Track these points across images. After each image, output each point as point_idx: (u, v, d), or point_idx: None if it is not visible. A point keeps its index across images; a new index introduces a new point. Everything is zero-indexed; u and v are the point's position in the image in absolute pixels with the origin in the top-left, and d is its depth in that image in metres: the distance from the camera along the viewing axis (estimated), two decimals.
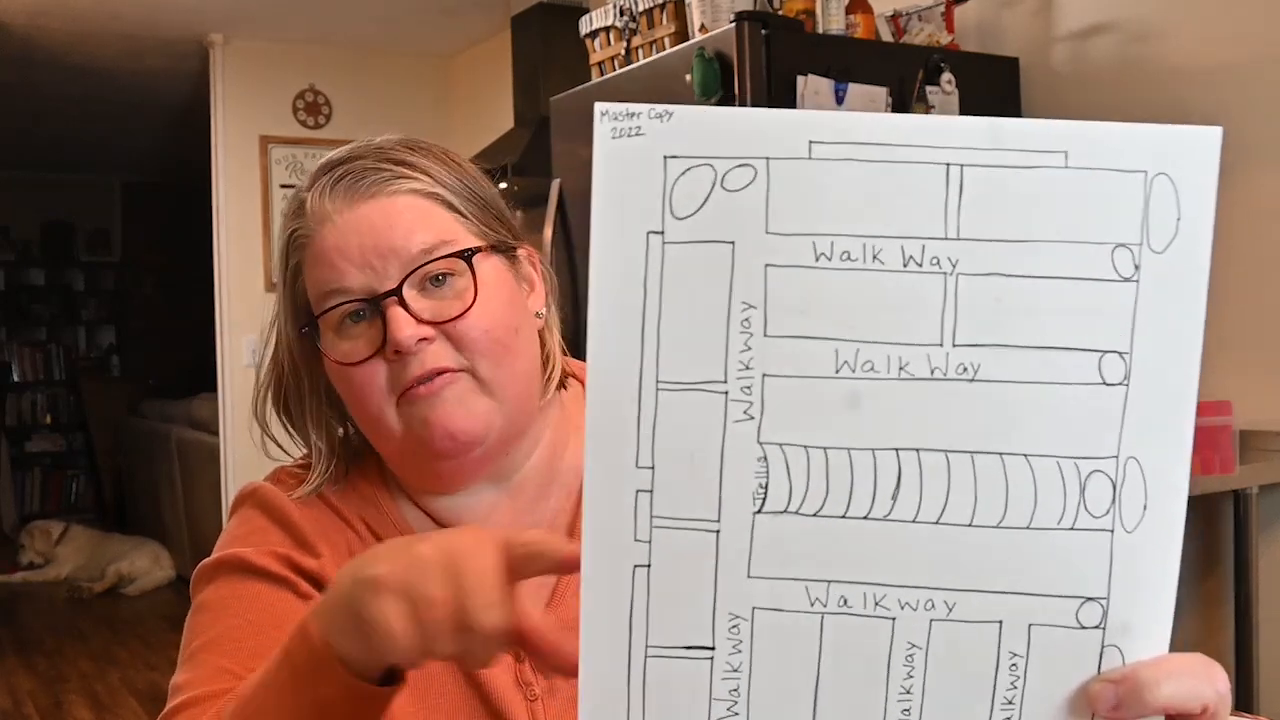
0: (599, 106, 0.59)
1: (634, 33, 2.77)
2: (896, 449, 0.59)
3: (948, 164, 0.58)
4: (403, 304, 0.87)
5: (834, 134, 0.58)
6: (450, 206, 0.92)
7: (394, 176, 0.90)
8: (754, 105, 2.34)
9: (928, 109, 2.50)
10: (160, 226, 8.55)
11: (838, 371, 0.59)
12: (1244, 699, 2.28)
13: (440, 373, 0.88)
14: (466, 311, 0.88)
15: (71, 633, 5.32)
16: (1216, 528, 2.42)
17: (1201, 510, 2.43)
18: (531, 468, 0.97)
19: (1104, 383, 0.59)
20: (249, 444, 1.03)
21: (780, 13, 2.52)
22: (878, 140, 0.58)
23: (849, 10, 2.57)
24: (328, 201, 0.90)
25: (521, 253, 0.97)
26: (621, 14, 2.79)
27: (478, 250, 0.91)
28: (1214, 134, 0.58)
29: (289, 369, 0.96)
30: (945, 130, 0.58)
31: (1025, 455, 0.59)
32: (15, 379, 8.63)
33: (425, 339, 0.87)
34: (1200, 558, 2.44)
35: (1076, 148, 0.58)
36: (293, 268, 0.93)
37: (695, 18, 2.59)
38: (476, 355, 0.89)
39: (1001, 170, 0.58)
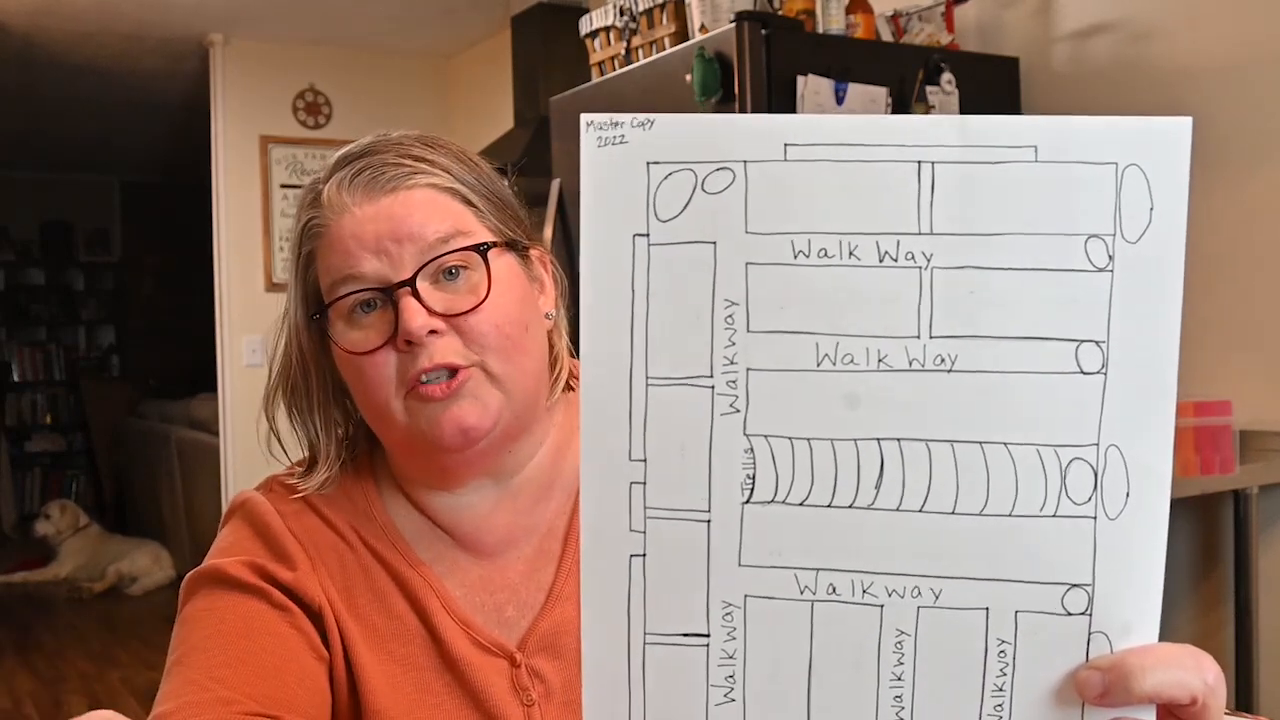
0: (584, 117, 0.61)
1: (634, 33, 2.77)
2: (878, 439, 0.60)
3: (918, 161, 0.59)
4: (415, 294, 0.88)
5: (807, 136, 0.60)
6: (467, 201, 0.93)
7: (412, 171, 0.91)
8: (754, 105, 2.35)
9: (928, 109, 2.50)
10: (160, 226, 8.56)
11: (819, 365, 0.60)
12: (1244, 699, 2.28)
13: (449, 369, 0.88)
14: (479, 305, 0.89)
15: (71, 633, 5.33)
16: (1216, 528, 2.42)
17: (1201, 510, 2.43)
18: (535, 468, 0.97)
19: (1081, 371, 0.59)
20: (249, 444, 1.03)
21: (780, 13, 2.53)
22: (849, 140, 0.60)
23: (849, 10, 2.57)
24: (346, 194, 0.91)
25: (534, 253, 0.98)
26: (621, 14, 2.79)
27: (493, 245, 0.91)
28: (1184, 124, 0.59)
29: (298, 363, 0.96)
30: (914, 129, 0.60)
31: (1005, 444, 0.60)
32: (15, 379, 8.64)
33: (435, 331, 0.88)
34: (1200, 558, 2.45)
35: (1046, 142, 0.59)
36: (305, 256, 0.94)
37: (695, 18, 2.59)
38: (486, 350, 0.89)
39: (971, 166, 0.59)
